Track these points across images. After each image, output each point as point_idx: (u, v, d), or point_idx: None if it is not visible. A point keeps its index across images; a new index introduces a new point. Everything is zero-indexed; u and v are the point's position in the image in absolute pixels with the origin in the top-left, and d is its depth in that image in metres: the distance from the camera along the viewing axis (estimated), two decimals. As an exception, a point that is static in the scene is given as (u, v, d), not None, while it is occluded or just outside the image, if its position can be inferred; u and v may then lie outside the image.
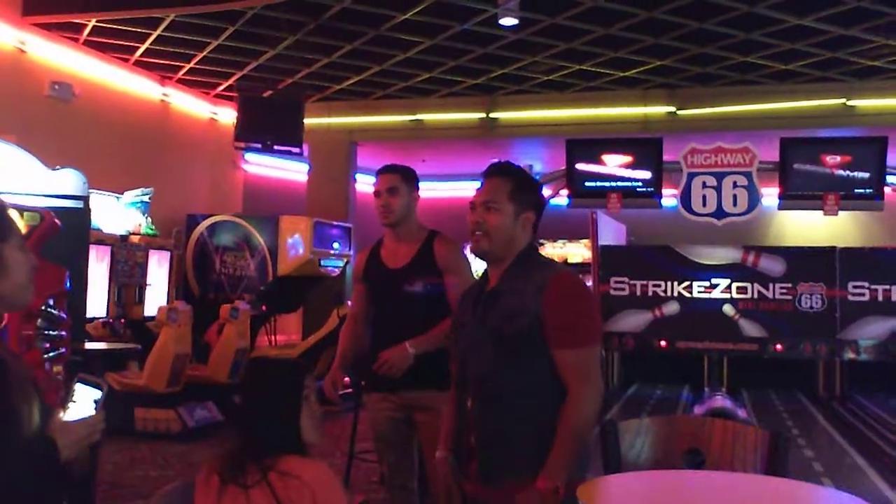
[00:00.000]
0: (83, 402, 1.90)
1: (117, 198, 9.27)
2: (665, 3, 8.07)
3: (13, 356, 1.89)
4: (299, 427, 2.26)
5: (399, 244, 3.87)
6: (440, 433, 3.38)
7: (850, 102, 10.42)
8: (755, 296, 8.06)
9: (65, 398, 1.90)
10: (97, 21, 8.74)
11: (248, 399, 2.31)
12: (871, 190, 8.21)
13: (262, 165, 12.87)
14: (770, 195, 8.60)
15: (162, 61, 10.25)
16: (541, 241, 14.34)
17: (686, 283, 8.21)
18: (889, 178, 8.33)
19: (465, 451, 2.68)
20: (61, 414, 1.88)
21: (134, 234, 9.29)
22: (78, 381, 1.92)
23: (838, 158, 8.26)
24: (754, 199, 7.98)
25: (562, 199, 9.41)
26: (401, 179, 3.87)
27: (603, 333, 2.68)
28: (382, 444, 3.86)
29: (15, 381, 1.78)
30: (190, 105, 11.51)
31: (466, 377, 2.68)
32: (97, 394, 1.92)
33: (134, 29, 9.03)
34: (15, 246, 1.84)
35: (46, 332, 4.74)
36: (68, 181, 6.22)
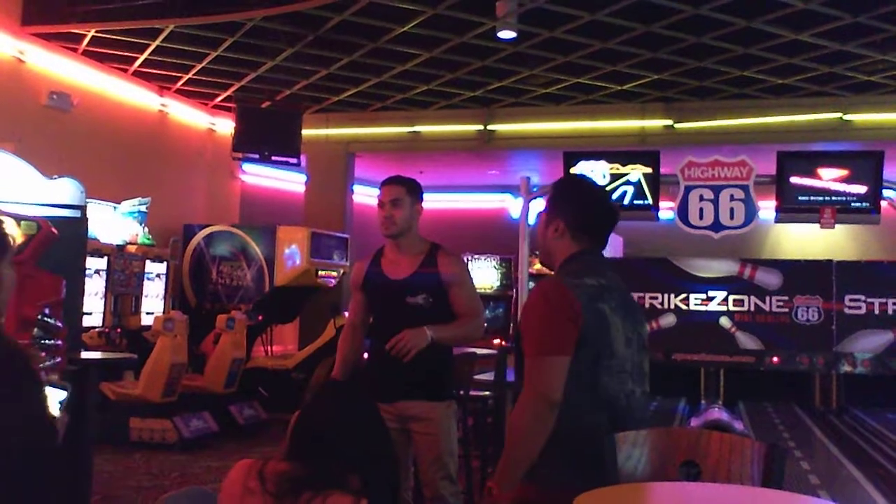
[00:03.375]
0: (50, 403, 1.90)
1: (115, 207, 9.27)
2: (663, 18, 8.11)
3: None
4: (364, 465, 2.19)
5: (400, 255, 3.88)
6: (434, 442, 3.41)
7: (846, 117, 10.46)
8: (752, 308, 8.06)
9: None
10: (96, 31, 8.76)
11: (325, 427, 2.20)
12: (867, 204, 8.21)
13: (260, 176, 12.88)
14: (767, 208, 8.60)
15: (160, 72, 10.27)
16: (538, 252, 14.34)
17: (683, 296, 8.21)
18: (885, 192, 8.35)
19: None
20: None
21: (131, 243, 9.29)
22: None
23: (835, 172, 8.26)
24: (751, 213, 7.97)
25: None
26: (405, 191, 3.89)
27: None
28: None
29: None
30: (188, 115, 11.53)
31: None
32: (62, 395, 1.92)
33: (133, 39, 9.05)
34: (7, 263, 1.84)
35: (42, 342, 4.73)
36: (66, 190, 6.21)
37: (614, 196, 8.64)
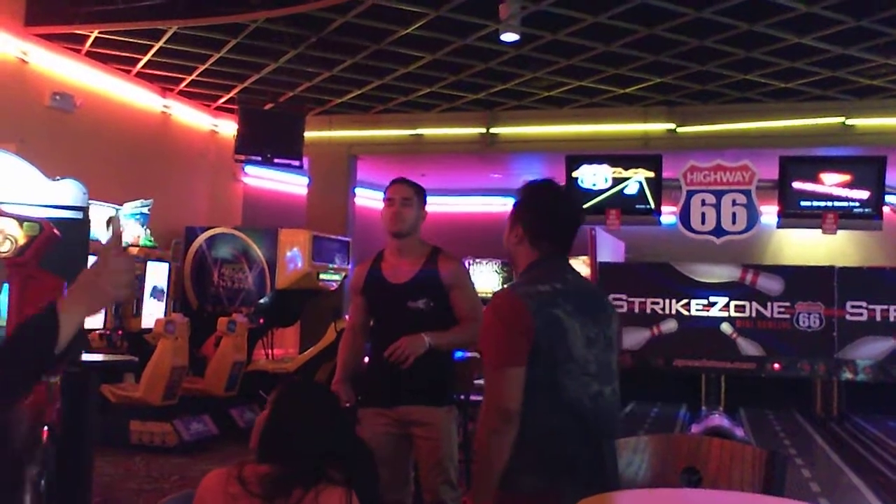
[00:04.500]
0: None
1: (117, 209, 9.26)
2: (666, 21, 8.11)
3: None
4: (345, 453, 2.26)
5: (401, 259, 3.86)
6: (435, 446, 3.42)
7: (849, 121, 10.45)
8: (753, 314, 8.05)
9: None
10: (99, 32, 8.77)
11: (291, 426, 2.30)
12: (869, 209, 8.22)
13: (262, 178, 12.88)
14: (769, 213, 8.60)
15: (163, 73, 10.28)
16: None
17: (684, 301, 8.20)
18: (888, 198, 8.34)
19: None
20: None
21: (133, 245, 9.29)
22: None
23: (837, 177, 8.27)
24: (753, 218, 7.98)
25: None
26: (415, 193, 3.89)
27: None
28: (378, 459, 3.84)
29: None
30: (191, 117, 11.53)
31: None
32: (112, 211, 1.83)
33: (136, 41, 9.05)
34: None
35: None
36: (68, 192, 6.20)
37: (616, 199, 8.66)
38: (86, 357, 6.10)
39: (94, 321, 8.42)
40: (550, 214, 2.82)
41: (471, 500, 2.61)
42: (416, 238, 3.90)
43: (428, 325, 3.70)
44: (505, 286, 2.78)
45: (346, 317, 9.54)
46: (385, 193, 3.91)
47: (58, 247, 4.99)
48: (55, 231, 4.98)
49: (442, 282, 3.78)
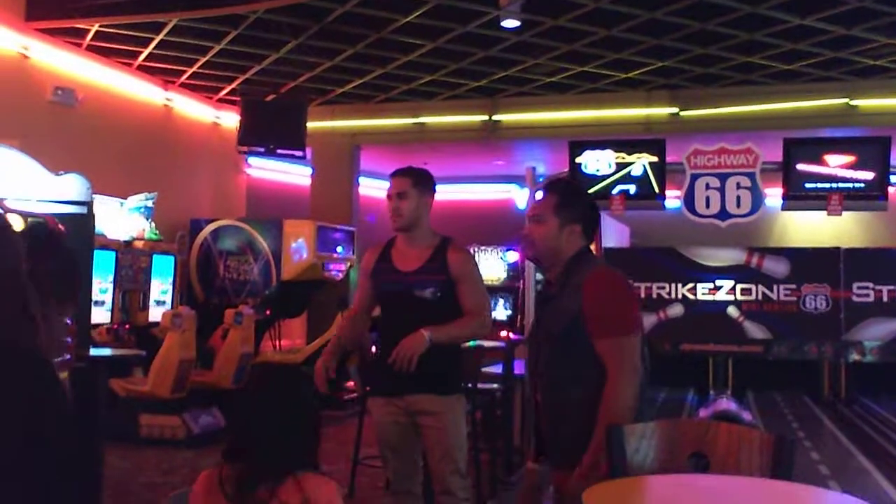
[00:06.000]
0: None
1: (121, 203, 9.27)
2: (667, 5, 8.07)
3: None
4: (312, 442, 2.24)
5: (410, 247, 3.86)
6: (442, 436, 3.46)
7: (852, 102, 10.41)
8: (759, 297, 8.04)
9: None
10: (100, 26, 8.75)
11: (259, 412, 2.24)
12: (874, 190, 8.18)
13: (266, 169, 12.88)
14: (773, 196, 8.57)
15: (165, 66, 10.26)
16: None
17: (690, 285, 8.20)
18: (893, 178, 8.31)
19: (538, 440, 3.12)
20: None
21: (138, 239, 9.30)
22: None
23: (842, 158, 8.23)
24: (758, 200, 7.94)
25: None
26: (411, 184, 3.86)
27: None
28: (387, 449, 3.85)
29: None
30: (193, 109, 11.52)
31: (534, 373, 3.09)
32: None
33: (137, 34, 9.04)
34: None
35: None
36: (72, 186, 6.21)
37: (620, 185, 8.64)
38: (93, 351, 6.12)
39: (101, 315, 8.44)
40: (594, 212, 3.16)
41: (590, 457, 2.73)
42: (425, 227, 3.88)
43: (433, 315, 3.69)
44: (598, 264, 3.06)
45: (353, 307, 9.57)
46: None
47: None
48: (60, 226, 4.99)
49: (450, 272, 3.77)
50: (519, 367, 6.09)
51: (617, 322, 2.86)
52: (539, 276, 7.38)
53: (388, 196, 3.87)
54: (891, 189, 8.35)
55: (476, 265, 3.98)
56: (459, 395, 3.88)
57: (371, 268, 3.95)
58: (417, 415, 3.75)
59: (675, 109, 10.98)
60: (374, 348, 8.13)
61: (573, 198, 3.13)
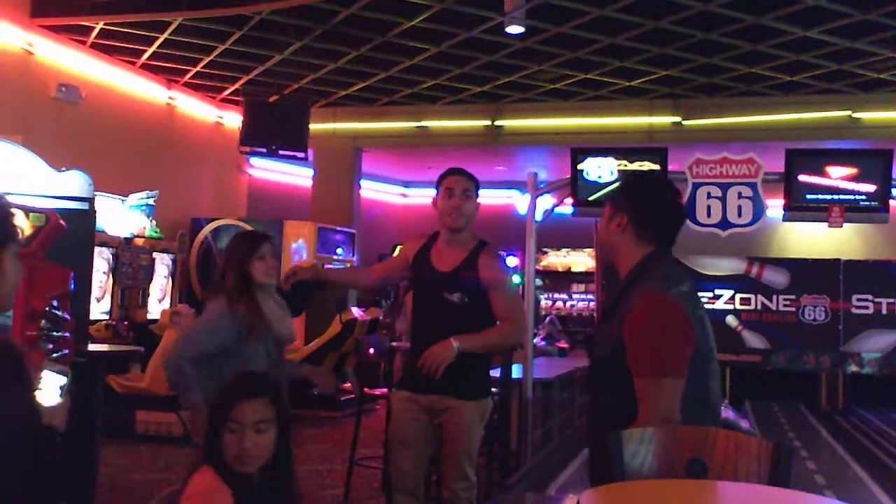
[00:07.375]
0: (49, 388, 1.87)
1: (122, 200, 9.28)
2: (671, 14, 8.09)
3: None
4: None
5: (449, 247, 3.82)
6: (455, 438, 3.40)
7: (855, 114, 10.43)
8: (758, 307, 8.04)
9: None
10: (105, 24, 8.77)
11: None
12: (876, 202, 8.18)
13: (267, 170, 12.89)
14: (775, 206, 8.58)
15: (169, 65, 10.28)
16: (544, 249, 14.32)
17: (690, 294, 8.20)
18: (894, 191, 8.32)
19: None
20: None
21: (138, 236, 9.30)
22: (45, 369, 1.88)
23: (844, 171, 8.23)
24: (759, 211, 7.94)
25: (566, 208, 9.41)
26: (475, 186, 3.86)
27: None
28: (398, 444, 3.80)
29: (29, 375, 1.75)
30: (196, 109, 11.54)
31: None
32: (62, 380, 1.90)
33: (141, 32, 9.06)
34: (12, 253, 1.83)
35: (50, 333, 4.74)
36: (74, 183, 6.21)
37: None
38: (92, 347, 6.12)
39: (101, 311, 8.44)
40: (658, 205, 2.75)
41: None
42: (470, 230, 3.88)
43: (461, 321, 3.64)
44: (651, 288, 2.59)
45: (352, 308, 9.56)
46: (440, 183, 3.82)
47: (64, 238, 5.00)
48: (61, 222, 4.99)
49: (480, 278, 3.73)
50: (516, 372, 6.09)
51: (653, 361, 2.51)
52: (539, 282, 7.38)
53: (449, 191, 3.79)
54: (892, 202, 8.36)
55: (506, 271, 3.91)
56: (482, 401, 3.80)
57: (412, 256, 3.92)
58: (437, 415, 3.71)
59: (677, 118, 11.00)
60: (371, 351, 8.13)
61: (626, 186, 2.82)
